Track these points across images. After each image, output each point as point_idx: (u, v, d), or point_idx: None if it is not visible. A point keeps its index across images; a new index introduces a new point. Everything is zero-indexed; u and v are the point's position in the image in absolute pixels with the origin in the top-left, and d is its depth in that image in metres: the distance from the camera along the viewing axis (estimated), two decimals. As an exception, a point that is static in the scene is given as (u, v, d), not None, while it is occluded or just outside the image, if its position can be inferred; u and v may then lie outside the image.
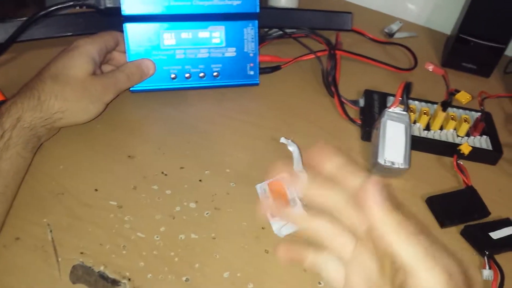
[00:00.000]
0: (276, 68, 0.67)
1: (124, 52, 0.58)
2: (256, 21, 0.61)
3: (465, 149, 0.56)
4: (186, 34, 0.60)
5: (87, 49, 0.53)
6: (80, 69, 0.51)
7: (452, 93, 0.64)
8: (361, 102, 0.63)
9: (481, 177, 0.57)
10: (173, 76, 0.61)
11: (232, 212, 0.50)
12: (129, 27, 0.58)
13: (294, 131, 0.60)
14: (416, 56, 0.74)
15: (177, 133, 0.58)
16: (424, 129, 0.60)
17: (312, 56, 0.68)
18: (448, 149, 0.58)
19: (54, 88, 0.49)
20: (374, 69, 0.72)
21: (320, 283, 0.45)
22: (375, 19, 0.84)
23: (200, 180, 0.53)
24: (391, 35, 0.80)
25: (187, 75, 0.61)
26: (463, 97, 0.64)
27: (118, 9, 0.57)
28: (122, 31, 0.58)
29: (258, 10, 0.61)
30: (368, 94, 0.64)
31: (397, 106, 0.55)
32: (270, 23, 0.70)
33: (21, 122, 0.47)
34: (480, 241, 0.49)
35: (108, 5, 0.59)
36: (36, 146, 0.50)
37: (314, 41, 0.71)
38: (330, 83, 0.65)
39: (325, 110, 0.64)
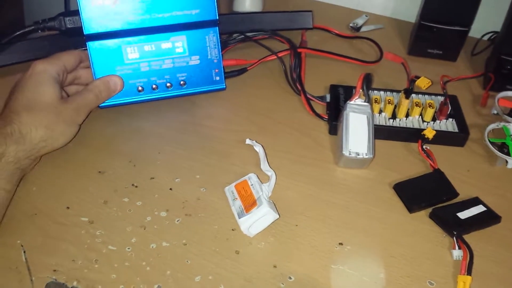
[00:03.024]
0: (243, 70, 0.69)
1: (88, 67, 0.59)
2: (217, 28, 0.62)
3: (429, 134, 0.57)
4: (149, 47, 0.61)
5: (49, 72, 0.53)
6: (49, 94, 0.52)
7: (413, 80, 0.65)
8: (328, 98, 0.64)
9: (449, 160, 0.58)
10: (140, 88, 0.62)
11: (203, 217, 0.51)
12: (92, 45, 0.59)
13: (263, 132, 0.61)
14: (381, 48, 0.75)
15: (148, 144, 0.59)
16: (390, 118, 0.60)
17: (280, 55, 0.69)
18: (414, 135, 0.59)
19: (31, 119, 0.50)
20: (340, 64, 0.73)
21: (290, 278, 0.46)
22: (341, 15, 0.85)
23: (170, 189, 0.53)
24: (357, 29, 0.81)
25: (153, 86, 0.62)
26: (422, 83, 0.64)
27: (80, 29, 0.58)
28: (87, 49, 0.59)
29: (217, 17, 0.62)
30: (334, 88, 0.65)
31: (358, 97, 0.56)
32: (232, 29, 0.71)
33: (6, 157, 0.48)
34: (448, 223, 0.50)
35: (69, 26, 0.61)
36: (20, 179, 0.51)
37: (279, 42, 0.72)
38: (295, 81, 0.66)
39: (293, 108, 0.65)
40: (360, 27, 0.81)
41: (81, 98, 0.55)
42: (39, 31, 0.62)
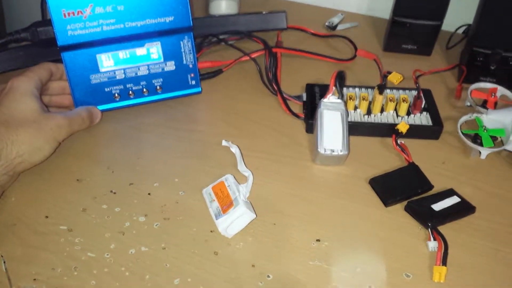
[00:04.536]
0: (218, 72, 0.69)
1: (58, 80, 0.60)
2: (191, 33, 0.63)
3: (403, 128, 0.58)
4: (123, 54, 0.61)
5: (26, 87, 0.53)
6: (27, 109, 0.52)
7: (385, 76, 0.66)
8: (304, 97, 0.65)
9: (425, 153, 0.59)
10: (116, 95, 0.62)
11: (182, 220, 0.51)
12: (66, 55, 0.59)
13: (240, 133, 0.61)
14: (355, 46, 0.76)
15: (126, 150, 0.59)
16: (365, 114, 0.61)
17: (253, 56, 0.70)
18: (389, 130, 0.59)
19: (9, 134, 0.50)
20: (316, 63, 0.74)
21: (269, 276, 0.46)
22: (318, 15, 0.86)
23: (149, 194, 0.54)
24: (333, 28, 0.82)
25: (130, 93, 0.63)
26: (394, 78, 0.65)
27: (53, 39, 0.58)
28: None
29: (191, 23, 0.62)
30: (310, 87, 0.65)
31: (332, 95, 0.57)
32: (207, 31, 0.71)
33: None
34: (423, 215, 0.50)
35: (42, 37, 0.61)
36: None
37: (255, 43, 0.73)
38: (271, 81, 0.66)
39: (270, 108, 0.65)
40: (336, 25, 0.82)
41: (67, 116, 0.55)
42: (12, 43, 0.62)
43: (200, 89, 0.66)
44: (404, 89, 0.65)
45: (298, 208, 0.53)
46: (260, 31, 0.74)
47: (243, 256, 0.48)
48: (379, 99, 0.60)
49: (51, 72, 0.58)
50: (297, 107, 0.65)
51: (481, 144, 0.58)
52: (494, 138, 0.58)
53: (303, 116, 0.63)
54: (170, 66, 0.63)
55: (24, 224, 0.51)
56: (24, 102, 0.52)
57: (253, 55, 0.70)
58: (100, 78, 0.61)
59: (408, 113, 0.61)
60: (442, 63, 0.76)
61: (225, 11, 0.78)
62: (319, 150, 0.54)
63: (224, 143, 0.58)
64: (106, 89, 0.62)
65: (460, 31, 0.79)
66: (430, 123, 0.60)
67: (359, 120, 0.60)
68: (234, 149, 0.56)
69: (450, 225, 0.51)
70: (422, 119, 0.61)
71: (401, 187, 0.53)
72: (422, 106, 0.61)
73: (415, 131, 0.59)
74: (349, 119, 0.59)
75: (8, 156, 0.50)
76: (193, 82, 0.65)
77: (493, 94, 0.63)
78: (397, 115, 0.61)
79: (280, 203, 0.53)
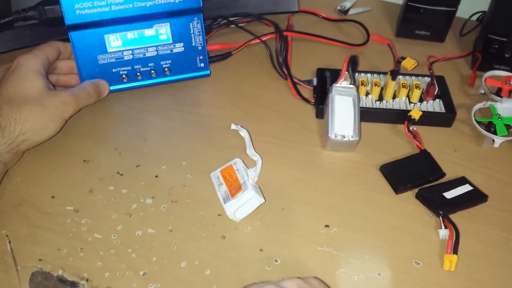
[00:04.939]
0: (227, 55, 0.68)
1: (66, 59, 0.59)
2: (201, 15, 0.62)
3: (415, 114, 0.57)
4: (131, 35, 0.60)
5: (32, 65, 0.53)
6: (32, 87, 0.51)
7: (399, 61, 0.64)
8: (314, 81, 0.64)
9: (437, 140, 0.58)
10: (123, 76, 0.61)
11: (190, 203, 0.51)
12: (74, 35, 0.58)
13: (249, 117, 0.60)
14: (368, 30, 0.74)
15: (133, 132, 0.58)
16: (377, 100, 0.60)
17: (263, 39, 0.69)
18: (401, 117, 0.58)
19: (12, 112, 0.49)
20: (327, 47, 0.72)
21: (276, 261, 0.46)
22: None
23: (156, 176, 0.53)
24: (345, 12, 0.81)
25: (137, 74, 0.62)
26: (408, 63, 0.64)
27: (61, 18, 0.57)
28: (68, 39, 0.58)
29: (201, 4, 0.61)
30: (321, 72, 0.64)
31: (343, 80, 0.56)
32: (217, 13, 0.70)
33: None
34: (434, 202, 0.50)
35: (49, 16, 0.60)
36: (2, 174, 0.51)
37: (266, 26, 0.72)
38: (281, 65, 0.65)
39: (279, 93, 0.64)
40: (348, 10, 0.81)
41: (72, 93, 0.55)
42: (19, 21, 0.61)
43: (209, 72, 0.65)
44: (417, 75, 0.63)
45: (307, 193, 0.52)
46: (271, 14, 0.72)
47: (251, 240, 0.47)
48: (392, 85, 0.59)
49: (59, 51, 0.58)
50: (307, 91, 0.64)
51: (495, 133, 0.56)
52: (508, 127, 0.57)
53: (313, 101, 0.62)
54: (179, 47, 0.62)
55: (30, 204, 0.50)
56: (29, 79, 0.52)
57: (264, 38, 0.68)
58: (108, 59, 0.60)
59: (421, 100, 0.60)
60: (455, 50, 0.74)
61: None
62: (329, 135, 0.53)
63: (233, 126, 0.57)
64: (113, 70, 0.61)
65: (474, 18, 0.78)
66: (443, 110, 0.59)
67: (370, 106, 0.59)
68: (244, 133, 0.55)
69: (460, 214, 0.50)
70: (435, 106, 0.60)
71: (413, 175, 0.53)
72: (435, 93, 0.60)
73: (427, 118, 0.58)
74: (361, 105, 0.58)
75: (11, 134, 0.49)
76: (202, 65, 0.64)
77: (508, 82, 0.61)
78: (410, 102, 0.60)
79: (289, 188, 0.52)
